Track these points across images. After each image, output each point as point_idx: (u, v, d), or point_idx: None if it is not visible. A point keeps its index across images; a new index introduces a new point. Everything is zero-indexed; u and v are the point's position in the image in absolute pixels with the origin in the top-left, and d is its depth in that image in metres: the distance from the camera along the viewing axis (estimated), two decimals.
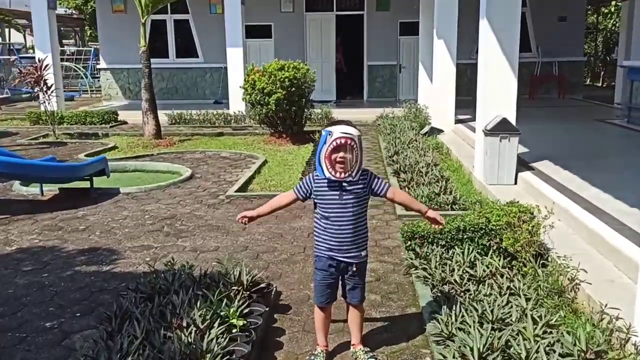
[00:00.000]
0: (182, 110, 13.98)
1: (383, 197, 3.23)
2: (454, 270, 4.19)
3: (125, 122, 14.27)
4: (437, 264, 4.31)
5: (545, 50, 16.71)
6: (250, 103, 11.06)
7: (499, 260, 4.34)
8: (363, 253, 3.22)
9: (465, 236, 4.54)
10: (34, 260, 4.88)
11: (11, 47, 24.27)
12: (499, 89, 7.12)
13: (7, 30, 26.21)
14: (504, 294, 3.74)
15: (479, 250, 4.50)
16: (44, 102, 11.93)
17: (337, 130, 3.03)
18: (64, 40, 33.41)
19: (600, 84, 23.04)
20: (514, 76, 7.08)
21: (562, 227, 5.18)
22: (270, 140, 11.18)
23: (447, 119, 11.72)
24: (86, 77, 24.16)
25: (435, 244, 4.58)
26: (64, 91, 23.81)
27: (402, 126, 11.27)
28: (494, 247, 4.49)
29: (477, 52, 16.88)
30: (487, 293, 3.78)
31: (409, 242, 4.62)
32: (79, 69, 24.85)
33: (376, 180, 3.21)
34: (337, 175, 3.04)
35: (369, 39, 17.08)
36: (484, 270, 4.15)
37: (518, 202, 4.76)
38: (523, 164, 7.36)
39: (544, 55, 16.73)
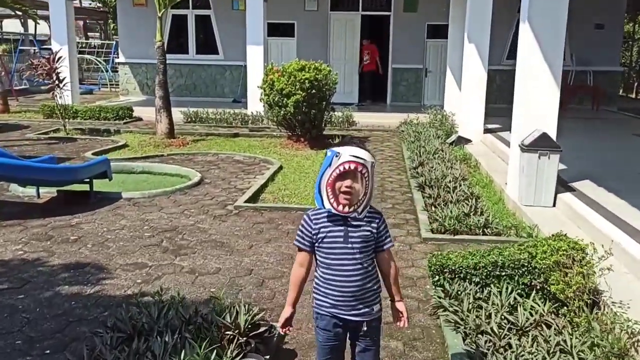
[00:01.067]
0: (199, 108, 13.51)
1: (378, 253, 2.53)
2: (490, 315, 3.56)
3: (140, 119, 13.83)
4: (471, 306, 3.67)
5: (580, 58, 15.88)
6: (267, 104, 10.50)
7: (544, 304, 3.69)
8: (375, 308, 2.52)
9: (503, 273, 3.90)
10: (13, 276, 4.36)
11: (32, 39, 24.07)
12: (538, 100, 6.45)
13: (29, 21, 26.01)
14: (553, 353, 3.10)
15: (520, 291, 3.86)
16: (56, 95, 11.49)
17: (346, 153, 2.40)
18: (89, 33, 33.30)
19: (634, 96, 22.06)
20: (556, 86, 6.39)
21: (615, 264, 4.50)
22: (287, 143, 10.60)
23: (475, 128, 11.02)
24: (106, 71, 23.88)
25: (468, 281, 3.94)
26: (84, 84, 23.75)
27: (427, 134, 10.62)
28: (537, 287, 3.85)
29: (507, 57, 16.30)
30: (533, 350, 3.13)
31: (437, 277, 3.99)
32: (100, 62, 24.59)
33: (385, 230, 2.52)
34: (340, 208, 2.40)
35: (395, 41, 16.41)
36: (527, 318, 3.50)
37: (565, 234, 4.10)
38: (561, 183, 6.66)
39: (579, 63, 15.90)
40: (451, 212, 5.77)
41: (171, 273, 4.49)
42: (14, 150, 9.79)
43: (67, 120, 12.08)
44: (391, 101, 16.82)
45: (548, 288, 3.79)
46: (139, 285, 4.24)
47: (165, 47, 16.87)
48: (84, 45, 28.23)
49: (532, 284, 3.87)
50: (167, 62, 16.77)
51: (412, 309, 3.97)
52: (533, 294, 3.81)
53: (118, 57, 18.15)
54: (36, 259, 4.72)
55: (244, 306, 3.30)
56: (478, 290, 3.89)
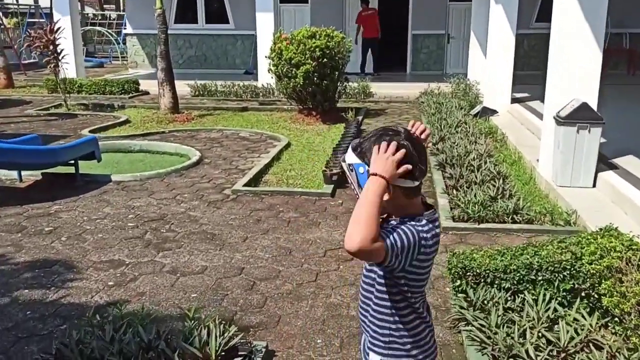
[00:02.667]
0: (209, 80, 12.84)
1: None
2: (525, 333, 2.88)
3: (147, 93, 13.24)
4: (500, 320, 3.00)
5: (615, 19, 14.68)
6: (276, 75, 9.77)
7: (591, 315, 3.00)
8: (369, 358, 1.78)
9: (540, 277, 3.20)
10: None
11: (41, 11, 23.53)
12: (577, 66, 5.62)
13: None
14: None
15: (560, 299, 3.17)
16: (54, 69, 10.90)
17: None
18: (105, 5, 32.67)
19: None
20: (598, 49, 5.56)
21: None
22: (298, 118, 9.89)
23: (502, 97, 10.15)
24: (117, 43, 23.29)
25: (496, 287, 3.25)
26: (95, 57, 23.23)
27: (449, 105, 9.80)
28: (582, 294, 3.15)
29: (536, 20, 15.22)
30: None
31: (459, 282, 3.31)
32: (111, 34, 23.99)
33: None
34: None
35: (415, 4, 15.42)
36: (572, 337, 2.82)
37: (616, 228, 3.37)
38: (602, 159, 5.86)
39: (614, 25, 14.71)
40: (475, 196, 5.05)
41: (149, 273, 3.89)
42: (10, 128, 9.31)
43: (69, 95, 11.53)
44: (411, 70, 15.92)
45: (595, 295, 3.10)
46: (109, 289, 3.65)
47: (174, 16, 16.33)
48: (99, 17, 27.69)
49: (576, 288, 3.17)
50: (176, 32, 16.22)
51: None
52: (577, 303, 3.12)
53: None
54: (1, 255, 4.16)
55: (219, 326, 2.67)
56: (509, 298, 3.21)
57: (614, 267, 2.92)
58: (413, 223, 1.62)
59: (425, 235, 1.62)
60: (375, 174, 1.55)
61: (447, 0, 15.30)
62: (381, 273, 1.69)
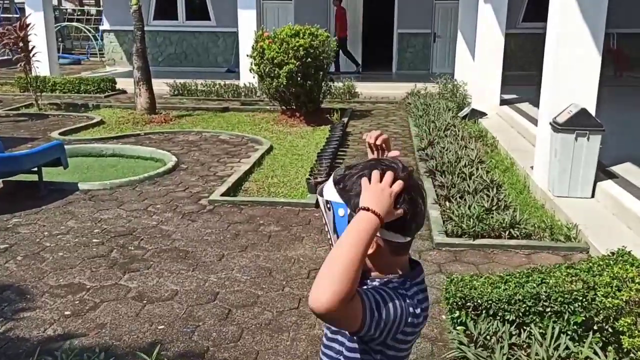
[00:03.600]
0: (189, 79, 12.40)
1: None
2: None
3: (124, 92, 12.74)
4: (505, 358, 2.66)
5: None
6: (258, 75, 9.37)
7: (606, 352, 2.68)
8: None
9: (548, 309, 2.87)
10: None
11: (16, 6, 22.77)
12: (575, 69, 5.32)
13: None
14: None
15: (571, 333, 2.84)
16: (24, 67, 10.39)
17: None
18: (85, 0, 31.88)
19: None
20: (597, 53, 5.26)
21: None
22: (281, 119, 9.50)
23: (491, 99, 9.86)
24: (95, 40, 22.65)
25: (499, 318, 2.91)
26: (72, 54, 22.57)
27: (436, 106, 9.50)
28: (595, 327, 2.83)
29: (523, 20, 14.99)
30: None
31: (458, 313, 2.97)
32: (88, 30, 23.34)
33: None
34: None
35: (401, 3, 15.08)
36: None
37: (630, 252, 3.05)
38: (599, 166, 5.57)
39: None
40: (469, 208, 4.72)
41: (112, 300, 3.49)
42: None
43: (41, 94, 11.02)
44: (397, 69, 15.60)
45: (609, 329, 2.78)
46: (65, 320, 3.25)
47: (153, 12, 15.81)
48: (77, 13, 26.98)
49: (587, 319, 2.85)
50: (155, 29, 15.71)
51: (424, 355, 2.96)
52: (590, 337, 2.79)
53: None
54: None
55: None
56: (513, 332, 2.87)
57: (633, 300, 2.59)
58: (397, 286, 1.28)
59: (413, 302, 1.27)
60: (367, 209, 1.17)
61: None
62: (350, 345, 1.31)
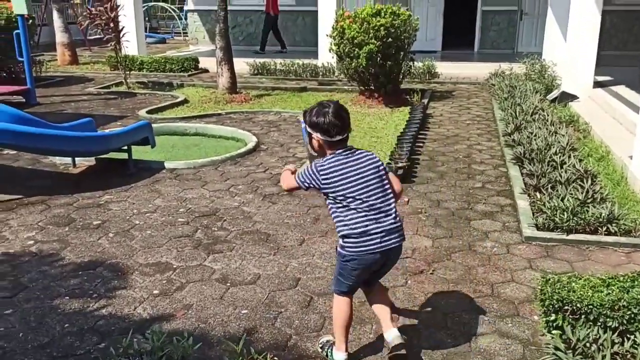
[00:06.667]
0: (268, 59, 12.50)
1: None
2: None
3: (206, 70, 13.04)
4: None
5: None
6: (337, 55, 9.26)
7: None
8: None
9: None
10: (10, 280, 3.59)
11: None
12: None
13: None
14: None
15: None
16: (115, 46, 10.81)
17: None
18: None
19: None
20: None
21: None
22: (359, 99, 9.38)
23: (583, 81, 9.26)
24: (180, 19, 23.27)
25: (600, 325, 2.72)
26: (158, 33, 23.32)
27: (523, 88, 9.04)
28: None
29: None
30: None
31: (554, 317, 2.79)
32: (173, 10, 24.00)
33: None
34: None
35: None
36: None
37: None
38: None
39: None
40: (563, 201, 4.45)
41: (197, 281, 3.57)
42: (70, 107, 9.27)
43: (130, 72, 11.47)
44: (479, 48, 15.00)
45: None
46: (154, 299, 3.35)
47: None
48: None
49: None
50: (237, 9, 15.89)
51: (515, 358, 2.82)
52: None
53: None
54: (45, 254, 3.94)
55: None
56: (615, 340, 2.67)
57: None
58: (318, 162, 2.64)
59: (317, 168, 2.62)
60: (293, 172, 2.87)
61: None
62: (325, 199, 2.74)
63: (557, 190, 4.78)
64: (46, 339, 2.94)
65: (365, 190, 2.58)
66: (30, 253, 3.96)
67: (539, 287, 2.92)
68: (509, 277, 3.63)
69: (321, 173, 2.58)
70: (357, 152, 2.67)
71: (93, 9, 11.24)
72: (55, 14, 14.21)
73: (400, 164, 5.49)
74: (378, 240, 2.56)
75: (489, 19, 14.82)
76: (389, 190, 2.66)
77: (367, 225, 2.55)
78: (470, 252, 3.98)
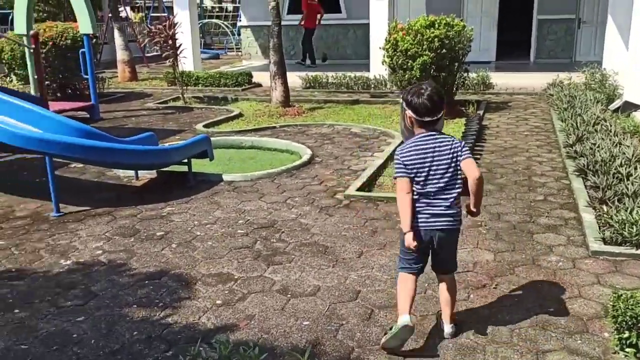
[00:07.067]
0: (319, 72, 12.64)
1: None
2: None
3: (259, 85, 13.29)
4: None
5: None
6: (390, 67, 9.26)
7: None
8: None
9: None
10: (81, 289, 3.74)
11: (164, 5, 24.61)
12: None
13: None
14: None
15: None
16: (172, 63, 11.18)
17: None
18: None
19: None
20: None
21: None
22: None
23: None
24: (233, 35, 23.85)
25: None
26: (212, 49, 23.96)
27: (583, 98, 8.77)
28: None
29: None
30: None
31: (628, 334, 2.68)
32: (227, 26, 24.63)
33: None
34: None
35: None
36: None
37: None
38: None
39: None
40: (631, 214, 4.28)
41: (259, 292, 3.62)
42: (131, 121, 9.63)
43: (186, 87, 11.83)
44: (535, 58, 14.68)
45: None
46: (217, 309, 3.42)
47: (287, 7, 16.26)
48: (216, 9, 28.62)
49: None
50: (289, 24, 16.15)
51: None
52: None
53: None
54: (113, 264, 4.09)
55: None
56: None
57: None
58: (405, 144, 2.91)
59: (400, 154, 2.88)
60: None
61: None
62: None
63: (624, 203, 4.61)
64: (117, 345, 3.05)
65: (431, 173, 2.77)
66: (99, 262, 4.12)
67: (611, 303, 2.82)
68: (576, 292, 3.52)
69: (402, 158, 2.82)
70: (439, 137, 2.81)
71: (152, 27, 11.65)
72: (116, 33, 14.84)
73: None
74: (424, 220, 2.83)
75: (545, 28, 14.50)
76: (454, 178, 2.79)
77: (421, 206, 2.83)
78: (534, 267, 3.88)
